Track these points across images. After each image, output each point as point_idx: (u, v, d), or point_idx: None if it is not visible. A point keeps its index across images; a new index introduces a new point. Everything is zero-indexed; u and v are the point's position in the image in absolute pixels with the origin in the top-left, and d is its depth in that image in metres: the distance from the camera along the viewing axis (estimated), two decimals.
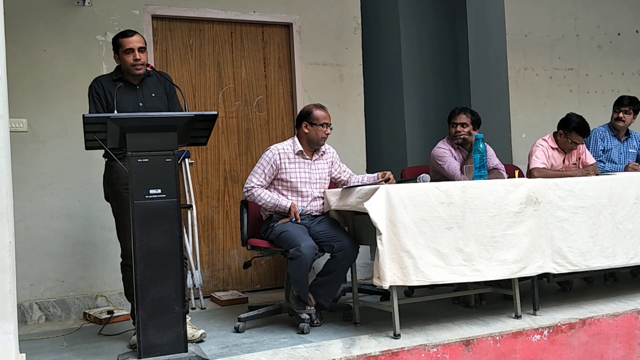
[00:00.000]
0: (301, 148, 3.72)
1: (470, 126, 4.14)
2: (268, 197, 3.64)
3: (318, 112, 3.73)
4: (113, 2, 4.42)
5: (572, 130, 4.21)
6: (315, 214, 3.74)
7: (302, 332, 3.37)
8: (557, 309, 3.71)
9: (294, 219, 3.59)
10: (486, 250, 3.35)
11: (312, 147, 3.78)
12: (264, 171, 3.67)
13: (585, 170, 4.10)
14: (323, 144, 3.79)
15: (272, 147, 3.73)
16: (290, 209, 3.60)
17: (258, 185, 3.66)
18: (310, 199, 3.72)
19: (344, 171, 3.92)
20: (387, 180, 3.62)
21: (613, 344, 3.57)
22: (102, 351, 3.30)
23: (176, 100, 3.53)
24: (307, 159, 3.75)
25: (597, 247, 3.69)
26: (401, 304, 3.27)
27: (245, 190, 3.69)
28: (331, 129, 3.78)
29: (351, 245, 3.48)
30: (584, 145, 4.44)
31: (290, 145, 3.74)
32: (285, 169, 3.68)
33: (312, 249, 3.37)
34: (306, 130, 3.72)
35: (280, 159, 3.67)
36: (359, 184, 3.62)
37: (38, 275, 4.19)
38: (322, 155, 3.83)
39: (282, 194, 3.69)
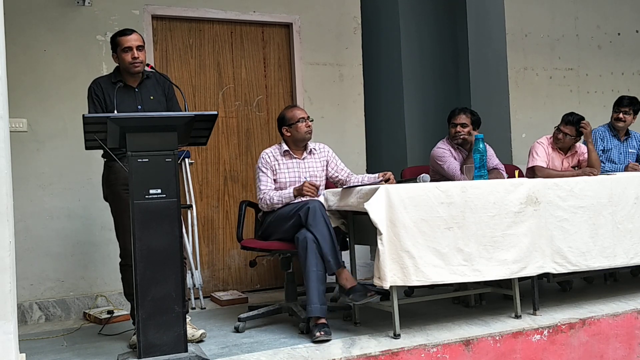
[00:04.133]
0: (287, 148, 3.77)
1: (470, 126, 4.14)
2: (275, 194, 3.64)
3: (290, 113, 3.78)
4: (113, 2, 4.42)
5: (562, 121, 4.31)
6: None
7: (302, 332, 3.37)
8: (557, 309, 3.71)
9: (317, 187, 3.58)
10: (486, 250, 3.35)
11: (301, 145, 3.82)
12: (266, 174, 3.72)
13: (589, 170, 4.06)
14: (310, 137, 3.81)
15: (262, 153, 3.80)
16: (302, 187, 3.55)
17: (267, 190, 3.68)
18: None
19: (342, 170, 3.91)
20: (387, 180, 3.62)
21: (613, 344, 3.57)
22: (102, 351, 3.30)
23: (175, 101, 3.53)
24: (295, 158, 3.78)
25: (597, 247, 3.69)
26: (401, 304, 3.27)
27: (259, 201, 3.69)
28: (311, 120, 3.80)
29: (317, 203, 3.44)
30: (585, 146, 4.44)
31: (277, 148, 3.81)
32: (275, 170, 3.75)
33: (319, 202, 3.41)
34: (288, 134, 3.78)
35: (271, 160, 3.74)
36: (359, 183, 3.62)
37: (38, 275, 4.19)
38: (311, 153, 3.85)
39: None
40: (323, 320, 3.24)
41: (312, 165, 3.83)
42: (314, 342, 3.14)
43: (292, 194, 3.59)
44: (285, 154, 3.77)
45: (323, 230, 3.31)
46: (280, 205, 3.62)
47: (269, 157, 3.76)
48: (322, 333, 3.15)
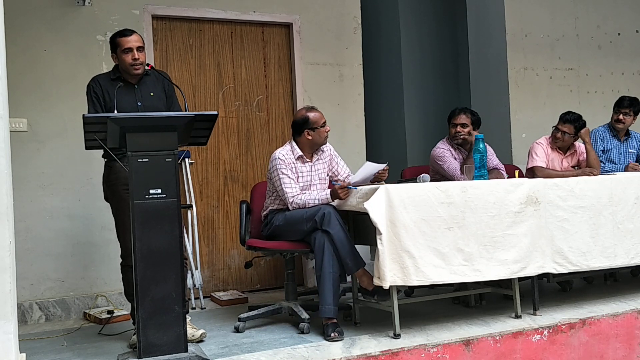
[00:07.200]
0: (300, 153, 3.70)
1: (470, 126, 4.14)
2: (309, 199, 3.55)
3: (314, 116, 3.68)
4: (113, 2, 4.42)
5: (560, 120, 4.32)
6: None
7: (302, 332, 3.37)
8: (557, 309, 3.71)
9: (349, 186, 3.45)
10: (486, 250, 3.35)
11: (314, 149, 3.77)
12: (288, 176, 3.61)
13: (589, 170, 4.06)
14: (326, 142, 3.78)
15: (276, 154, 3.66)
16: (336, 194, 3.45)
17: (295, 193, 3.58)
18: None
19: (342, 169, 3.86)
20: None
21: (613, 344, 3.57)
22: (102, 351, 3.31)
23: (175, 99, 3.52)
24: (307, 161, 3.74)
25: (598, 247, 3.69)
26: (401, 304, 3.27)
27: (290, 204, 3.57)
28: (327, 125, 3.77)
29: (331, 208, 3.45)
30: (584, 146, 4.44)
31: (289, 151, 3.70)
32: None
33: (333, 207, 3.42)
34: (309, 137, 3.68)
35: (289, 163, 3.65)
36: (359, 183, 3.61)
37: (38, 275, 4.19)
38: (321, 155, 3.82)
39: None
40: (335, 320, 3.30)
41: (321, 168, 3.80)
42: (328, 341, 3.20)
43: (330, 197, 3.49)
44: (298, 158, 3.70)
45: (339, 232, 3.34)
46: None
47: (285, 158, 3.64)
48: (336, 334, 3.23)
